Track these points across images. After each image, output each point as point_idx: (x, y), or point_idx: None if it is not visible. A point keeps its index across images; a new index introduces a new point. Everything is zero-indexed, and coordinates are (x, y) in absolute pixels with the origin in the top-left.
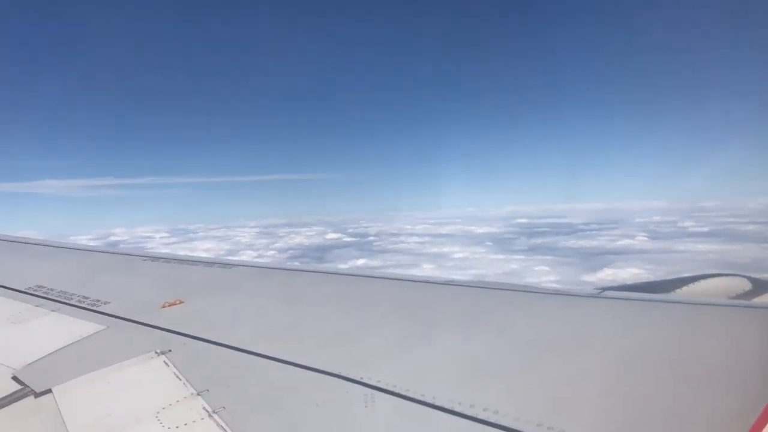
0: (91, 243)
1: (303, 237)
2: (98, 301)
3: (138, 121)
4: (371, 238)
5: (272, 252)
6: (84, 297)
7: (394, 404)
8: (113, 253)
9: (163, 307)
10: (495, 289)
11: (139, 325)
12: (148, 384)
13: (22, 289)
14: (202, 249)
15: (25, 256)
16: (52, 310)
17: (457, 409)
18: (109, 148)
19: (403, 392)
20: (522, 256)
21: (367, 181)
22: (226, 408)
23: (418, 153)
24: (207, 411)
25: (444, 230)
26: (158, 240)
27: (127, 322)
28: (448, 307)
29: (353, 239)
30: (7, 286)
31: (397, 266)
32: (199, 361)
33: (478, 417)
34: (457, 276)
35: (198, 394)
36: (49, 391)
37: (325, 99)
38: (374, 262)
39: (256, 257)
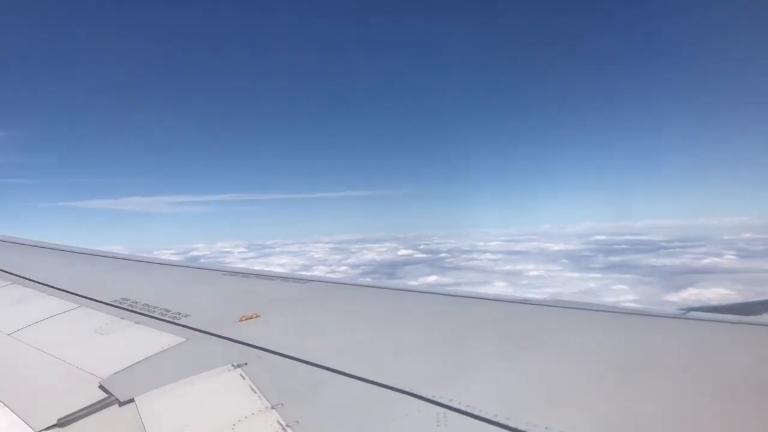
0: (173, 258)
1: (375, 253)
2: (179, 314)
3: (217, 141)
4: (443, 254)
5: (344, 267)
6: (166, 310)
7: (466, 424)
8: (193, 267)
9: (240, 320)
10: (571, 308)
11: (217, 338)
12: (224, 396)
13: (109, 302)
14: (278, 264)
15: (111, 269)
16: (136, 322)
17: (532, 431)
18: (190, 166)
19: (476, 412)
20: (599, 275)
21: (440, 197)
22: (300, 422)
23: (492, 168)
24: (281, 425)
25: (518, 247)
26: (237, 255)
27: (206, 335)
28: (522, 326)
29: (425, 256)
30: (95, 298)
31: (468, 283)
32: (274, 375)
33: None
34: (531, 294)
35: (272, 408)
36: (132, 400)
37: (399, 115)
38: (446, 279)
39: (329, 272)
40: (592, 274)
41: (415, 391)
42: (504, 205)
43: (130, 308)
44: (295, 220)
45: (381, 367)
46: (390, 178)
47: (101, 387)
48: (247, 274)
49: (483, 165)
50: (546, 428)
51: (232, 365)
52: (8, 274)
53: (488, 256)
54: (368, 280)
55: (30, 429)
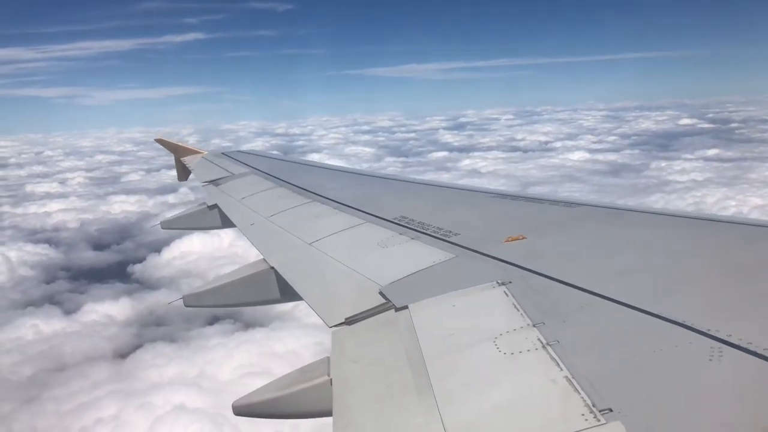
0: (443, 124)
1: (652, 122)
2: (450, 232)
3: (487, 5)
4: (734, 125)
5: (613, 137)
6: (438, 228)
7: (745, 361)
8: (463, 189)
9: (506, 241)
10: None
11: (483, 256)
12: (488, 310)
13: (389, 219)
14: (542, 132)
15: (391, 190)
16: (412, 238)
17: None
18: (462, 33)
19: (759, 351)
20: None
21: (745, 57)
22: (560, 342)
23: None
24: (541, 342)
25: None
26: (503, 122)
27: (473, 253)
28: None
29: (711, 126)
30: (378, 215)
31: (757, 158)
32: (536, 295)
33: None
34: None
35: (533, 326)
36: (406, 307)
37: None
38: (729, 153)
39: (595, 142)
40: None
41: (687, 323)
42: None
43: (407, 225)
44: (570, 86)
45: (650, 296)
46: (683, 36)
47: (381, 293)
48: (515, 197)
49: None
50: None
51: (497, 282)
52: (310, 193)
53: None
54: (637, 151)
55: (325, 324)
